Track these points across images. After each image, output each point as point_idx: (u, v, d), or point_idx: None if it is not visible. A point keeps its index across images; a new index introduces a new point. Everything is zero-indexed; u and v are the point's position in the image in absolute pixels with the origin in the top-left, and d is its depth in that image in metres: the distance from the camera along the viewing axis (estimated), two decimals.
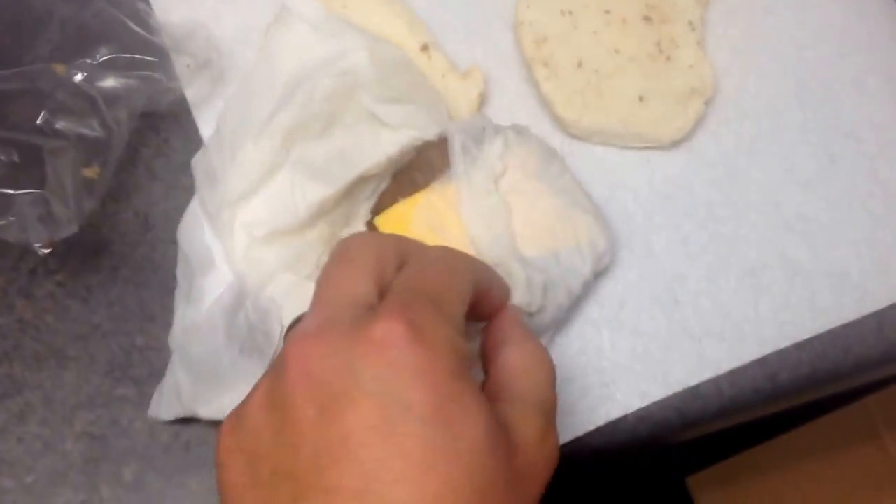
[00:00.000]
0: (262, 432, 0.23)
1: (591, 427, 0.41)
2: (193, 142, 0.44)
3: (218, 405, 0.37)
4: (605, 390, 0.41)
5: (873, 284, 0.43)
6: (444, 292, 0.27)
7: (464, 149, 0.39)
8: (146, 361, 0.41)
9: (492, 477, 0.23)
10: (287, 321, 0.37)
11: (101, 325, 0.41)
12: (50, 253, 0.36)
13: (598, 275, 0.42)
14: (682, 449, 0.53)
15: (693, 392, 0.42)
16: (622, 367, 0.42)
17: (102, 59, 0.39)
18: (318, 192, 0.38)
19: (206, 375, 0.38)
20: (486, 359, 0.30)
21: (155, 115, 0.44)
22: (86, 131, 0.38)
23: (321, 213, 0.39)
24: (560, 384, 0.41)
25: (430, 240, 0.36)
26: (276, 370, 0.24)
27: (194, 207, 0.41)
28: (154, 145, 0.44)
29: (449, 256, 0.29)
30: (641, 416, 0.42)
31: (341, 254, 0.28)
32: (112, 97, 0.39)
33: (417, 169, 0.40)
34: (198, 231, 0.40)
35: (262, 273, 0.38)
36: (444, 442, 0.22)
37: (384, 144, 0.39)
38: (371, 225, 0.40)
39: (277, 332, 0.37)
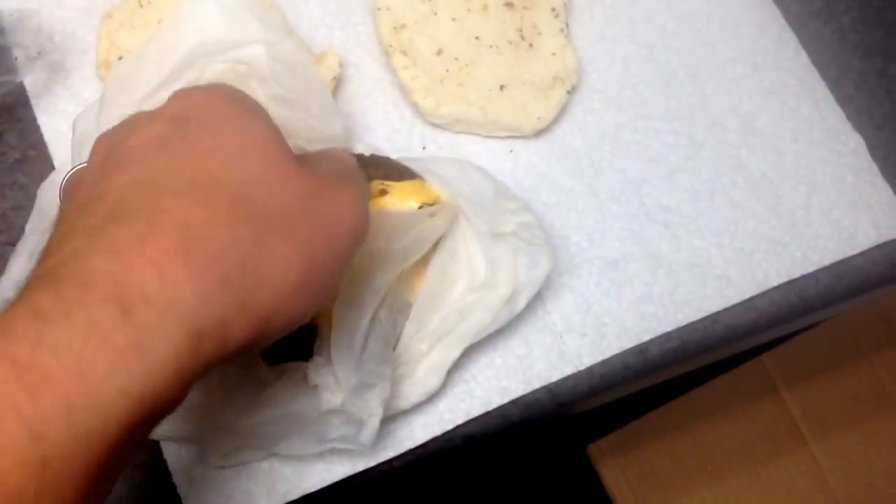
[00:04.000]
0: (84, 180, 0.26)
1: (450, 426, 0.39)
2: (29, 136, 0.42)
3: None
4: (464, 387, 0.40)
5: (736, 275, 0.42)
6: None
7: None
8: None
9: (279, 177, 0.26)
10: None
11: None
12: None
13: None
14: (579, 418, 0.52)
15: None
16: (482, 363, 0.40)
17: None
18: None
19: None
20: None
21: None
22: None
23: None
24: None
25: None
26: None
27: (65, 167, 0.38)
28: None
29: None
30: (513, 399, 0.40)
31: None
32: None
33: None
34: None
35: None
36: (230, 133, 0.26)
37: None
38: None
39: None
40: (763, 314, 0.43)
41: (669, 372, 0.45)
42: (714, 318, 0.42)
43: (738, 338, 0.43)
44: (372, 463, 0.38)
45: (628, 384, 0.43)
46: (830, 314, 0.49)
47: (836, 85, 0.47)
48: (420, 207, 0.38)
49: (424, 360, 0.38)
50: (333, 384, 0.34)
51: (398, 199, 0.38)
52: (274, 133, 0.27)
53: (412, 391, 0.38)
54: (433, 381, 0.38)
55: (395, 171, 0.39)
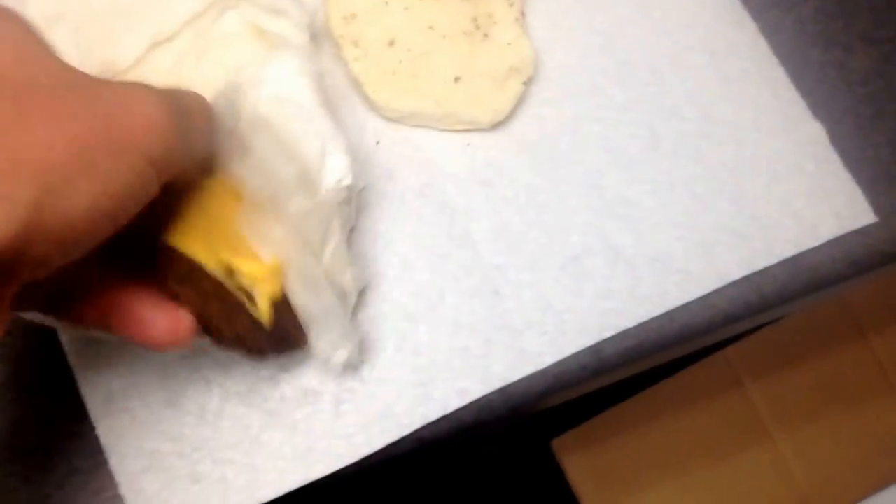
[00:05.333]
0: None
1: (406, 431, 0.38)
2: None
3: None
4: (421, 390, 0.39)
5: (696, 268, 0.42)
6: None
7: None
8: None
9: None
10: None
11: None
12: None
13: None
14: (543, 413, 0.51)
15: None
16: (440, 364, 0.39)
17: None
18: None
19: None
20: None
21: None
22: None
23: None
24: (374, 386, 0.39)
25: None
26: None
27: None
28: None
29: None
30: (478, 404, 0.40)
31: None
32: None
33: None
34: None
35: None
36: None
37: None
38: None
39: None
40: (720, 311, 0.42)
41: (626, 371, 0.45)
42: (671, 316, 0.42)
43: (695, 336, 0.43)
44: (327, 471, 0.37)
45: (585, 384, 0.42)
46: (789, 311, 0.48)
47: (796, 76, 0.46)
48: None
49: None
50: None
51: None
52: (35, 33, 0.26)
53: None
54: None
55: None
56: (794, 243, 0.42)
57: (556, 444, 0.93)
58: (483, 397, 0.39)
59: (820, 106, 0.45)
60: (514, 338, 0.40)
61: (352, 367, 0.38)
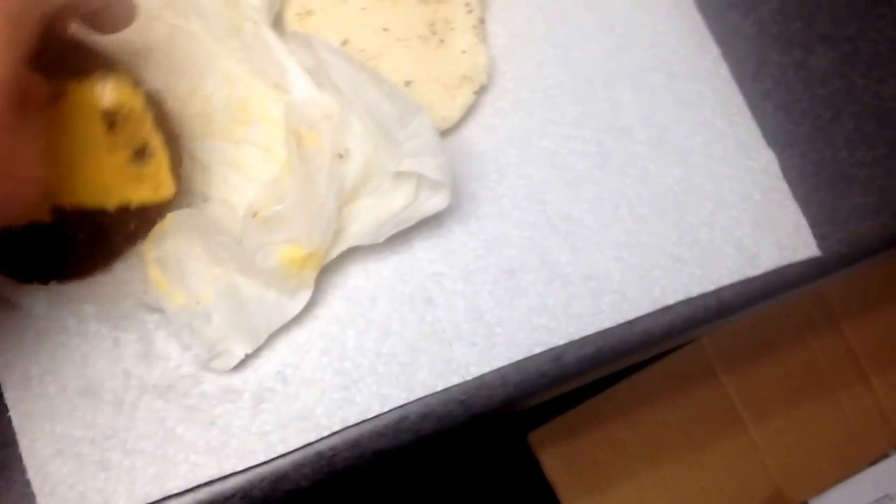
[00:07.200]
0: None
1: (325, 433, 0.38)
2: None
3: None
4: (344, 393, 0.39)
5: (632, 290, 0.41)
6: None
7: None
8: None
9: None
10: None
11: None
12: None
13: None
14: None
15: (477, 382, 0.40)
16: (364, 369, 0.39)
17: None
18: None
19: None
20: None
21: None
22: None
23: None
24: (296, 387, 0.39)
25: None
26: None
27: None
28: None
29: None
30: (424, 413, 0.40)
31: None
32: None
33: None
34: None
35: None
36: None
37: None
38: None
39: None
40: (679, 316, 0.42)
41: (586, 378, 0.44)
42: (631, 321, 0.42)
43: (654, 342, 0.43)
44: (240, 467, 0.37)
45: (546, 391, 0.42)
46: (748, 315, 0.48)
47: (754, 79, 0.45)
48: (103, 116, 0.33)
49: None
50: None
51: (75, 105, 0.32)
52: None
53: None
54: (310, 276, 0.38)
55: (95, 62, 0.34)
56: (732, 272, 0.42)
57: (533, 437, 0.93)
58: (443, 406, 0.39)
59: (777, 111, 0.45)
60: (442, 347, 0.40)
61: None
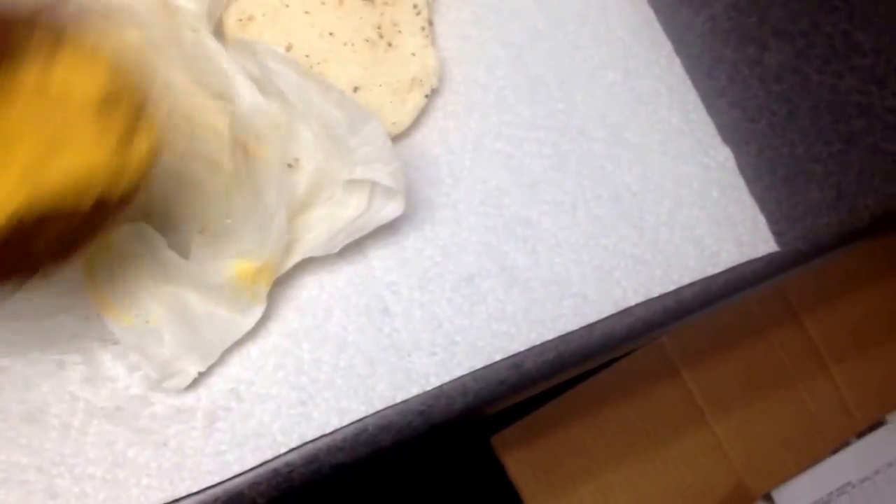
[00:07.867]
0: None
1: (282, 450, 0.37)
2: None
3: None
4: (301, 409, 0.38)
5: (593, 293, 0.41)
6: None
7: None
8: None
9: None
10: None
11: None
12: None
13: None
14: None
15: (437, 392, 0.39)
16: (321, 383, 0.38)
17: None
18: None
19: None
20: None
21: None
22: None
23: None
24: (251, 404, 0.38)
25: None
26: None
27: None
28: None
29: None
30: (383, 425, 0.39)
31: None
32: None
33: None
34: None
35: None
36: None
37: None
38: None
39: None
40: (639, 319, 0.42)
41: (547, 383, 0.44)
42: (591, 325, 0.41)
43: (615, 345, 0.42)
44: (194, 488, 0.36)
45: (506, 399, 0.42)
46: (708, 314, 0.48)
47: (708, 76, 0.45)
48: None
49: None
50: None
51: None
52: None
53: None
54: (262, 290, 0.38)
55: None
56: (694, 271, 0.42)
57: (496, 440, 0.92)
58: (402, 418, 0.39)
59: (732, 108, 0.45)
60: (400, 358, 0.39)
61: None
